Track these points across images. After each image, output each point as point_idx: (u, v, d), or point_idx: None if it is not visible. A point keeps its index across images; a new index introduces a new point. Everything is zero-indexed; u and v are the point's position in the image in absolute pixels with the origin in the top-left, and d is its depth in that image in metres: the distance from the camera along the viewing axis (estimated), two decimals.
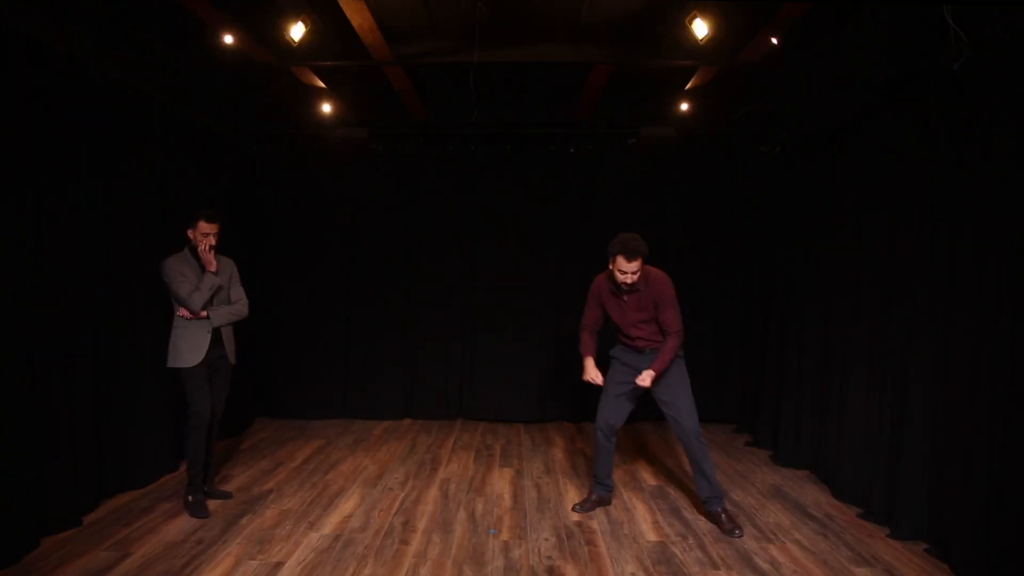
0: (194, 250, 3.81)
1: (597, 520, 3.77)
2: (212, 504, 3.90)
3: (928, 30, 3.32)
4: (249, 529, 3.56)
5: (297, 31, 3.99)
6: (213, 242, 3.80)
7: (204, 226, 3.77)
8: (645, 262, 3.49)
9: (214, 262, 3.79)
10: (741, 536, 3.47)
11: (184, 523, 3.62)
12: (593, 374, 3.76)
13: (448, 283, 6.15)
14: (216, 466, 4.64)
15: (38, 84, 3.37)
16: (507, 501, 4.05)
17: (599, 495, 3.94)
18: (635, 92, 5.54)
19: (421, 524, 3.67)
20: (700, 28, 3.85)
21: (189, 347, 3.74)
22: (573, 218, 6.10)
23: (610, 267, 3.55)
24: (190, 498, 3.80)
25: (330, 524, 3.65)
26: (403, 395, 6.21)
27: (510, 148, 6.08)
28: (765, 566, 3.19)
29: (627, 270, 3.44)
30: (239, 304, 3.94)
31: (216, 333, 3.82)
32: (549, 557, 3.27)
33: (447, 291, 6.15)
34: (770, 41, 4.06)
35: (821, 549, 3.39)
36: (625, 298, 3.62)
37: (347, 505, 3.94)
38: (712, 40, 3.95)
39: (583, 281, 6.12)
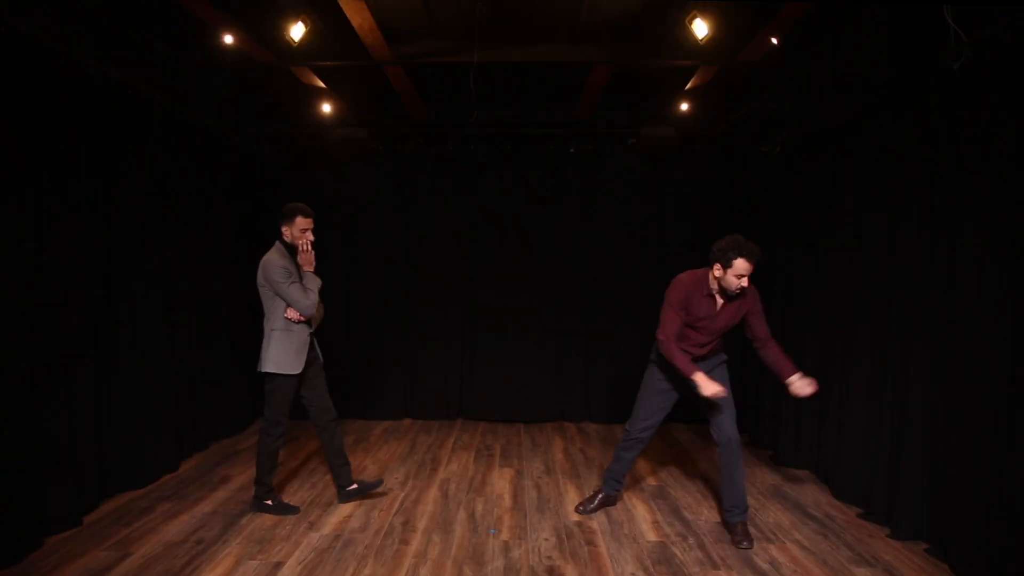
0: (289, 247, 3.62)
1: (597, 520, 3.77)
2: (212, 504, 3.90)
3: (928, 30, 3.32)
4: (249, 529, 3.56)
5: (297, 31, 3.99)
6: (312, 238, 3.61)
7: (302, 221, 3.57)
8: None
9: (314, 261, 3.63)
10: (748, 548, 3.35)
11: (184, 523, 3.62)
12: (715, 387, 3.29)
13: (448, 283, 6.15)
14: (215, 466, 4.66)
15: (38, 84, 3.37)
16: (507, 501, 4.05)
17: (606, 494, 3.88)
18: (635, 92, 5.54)
19: (421, 524, 3.67)
20: (700, 28, 3.84)
21: (294, 353, 3.58)
22: (573, 218, 6.10)
23: (715, 272, 3.33)
24: (269, 502, 3.74)
25: (330, 524, 3.65)
26: (403, 395, 6.21)
27: (510, 148, 6.08)
28: (765, 566, 3.19)
29: (745, 272, 3.26)
30: (321, 306, 3.78)
31: (310, 336, 3.71)
32: (549, 557, 3.28)
33: (447, 291, 6.15)
34: (770, 41, 4.06)
35: (821, 549, 3.39)
36: (723, 304, 3.42)
37: (347, 505, 3.94)
38: (712, 40, 3.95)
39: (583, 281, 6.20)
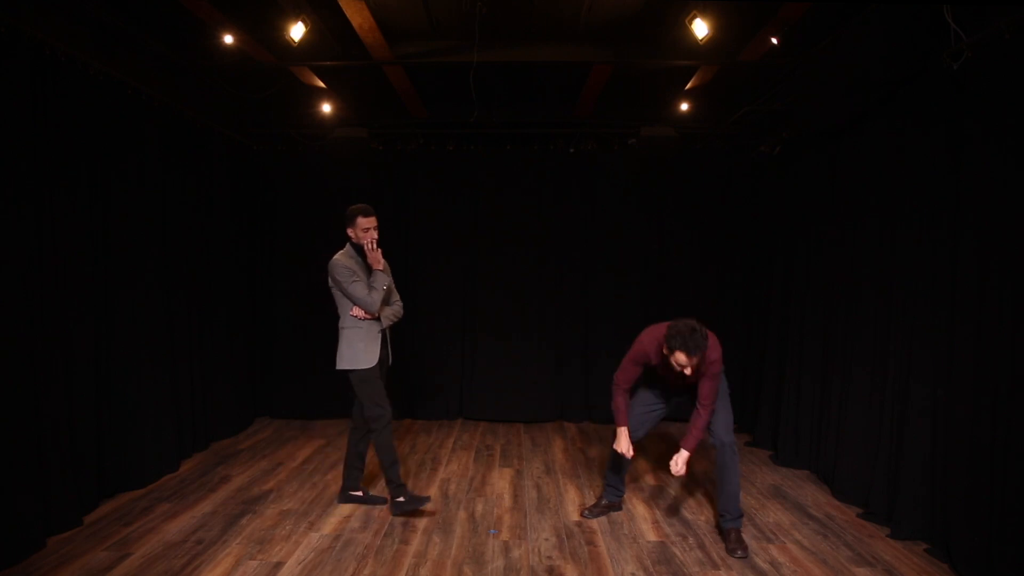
0: (358, 248, 3.67)
1: (597, 520, 3.77)
2: (212, 504, 3.90)
3: (928, 30, 3.32)
4: (249, 529, 3.56)
5: (297, 31, 3.99)
6: (376, 236, 3.63)
7: (363, 221, 3.61)
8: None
9: (382, 260, 3.66)
10: (743, 558, 3.28)
11: (184, 523, 3.62)
12: (626, 447, 3.49)
13: (448, 283, 6.15)
14: (215, 466, 4.66)
15: (38, 84, 3.37)
16: (507, 501, 4.05)
17: (609, 500, 3.87)
18: (635, 92, 5.53)
19: (421, 524, 3.67)
20: (700, 28, 3.84)
21: (367, 348, 3.63)
22: (573, 218, 6.10)
23: (664, 351, 3.26)
24: (402, 499, 3.70)
25: (330, 524, 3.65)
26: (403, 395, 6.20)
27: (510, 148, 6.08)
28: (765, 566, 3.19)
29: (685, 364, 3.16)
30: (398, 305, 3.84)
31: (383, 333, 3.73)
32: (549, 557, 3.28)
33: (447, 291, 6.15)
34: (770, 41, 4.06)
35: (821, 549, 3.39)
36: (672, 381, 3.47)
37: (347, 505, 3.93)
38: (712, 40, 3.95)
39: (583, 281, 6.19)
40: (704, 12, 3.82)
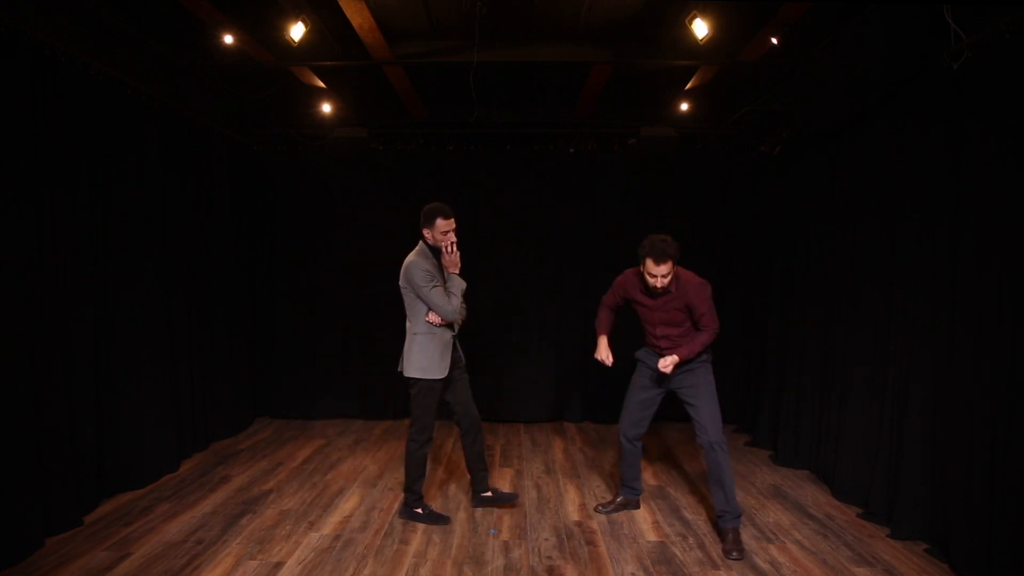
0: (433, 250, 3.54)
1: (597, 520, 3.77)
2: (212, 504, 3.90)
3: (928, 30, 3.32)
4: (249, 529, 3.56)
5: (297, 31, 3.99)
6: (455, 239, 3.47)
7: (443, 223, 3.44)
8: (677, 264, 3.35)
9: (459, 263, 3.52)
10: (738, 559, 3.26)
11: (184, 523, 3.62)
12: (604, 354, 3.66)
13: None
14: (215, 466, 4.66)
15: (38, 84, 3.37)
16: None
17: (625, 498, 3.88)
18: (635, 92, 5.53)
19: (421, 524, 3.67)
20: (700, 28, 3.84)
21: (438, 357, 3.49)
22: (573, 218, 6.10)
23: (640, 268, 3.42)
24: (419, 511, 3.66)
25: (330, 524, 3.65)
26: (403, 395, 6.18)
27: (510, 148, 6.08)
28: (765, 566, 3.19)
29: (656, 273, 3.29)
30: (464, 308, 3.67)
31: (453, 338, 3.62)
32: (549, 557, 3.27)
33: (447, 291, 6.13)
34: (770, 41, 4.06)
35: (821, 549, 3.39)
36: (655, 299, 3.48)
37: (347, 505, 3.94)
38: (712, 40, 3.95)
39: (583, 281, 6.19)
40: (704, 12, 3.82)
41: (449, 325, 3.54)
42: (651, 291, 3.44)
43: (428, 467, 4.72)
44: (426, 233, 3.52)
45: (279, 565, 3.14)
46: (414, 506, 3.69)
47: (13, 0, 3.23)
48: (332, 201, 6.10)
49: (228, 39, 4.12)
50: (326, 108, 5.51)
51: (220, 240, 5.34)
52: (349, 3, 3.81)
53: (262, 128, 5.88)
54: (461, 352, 3.72)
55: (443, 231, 3.46)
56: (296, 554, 3.26)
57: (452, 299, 3.46)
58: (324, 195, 6.08)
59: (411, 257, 3.50)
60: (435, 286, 3.44)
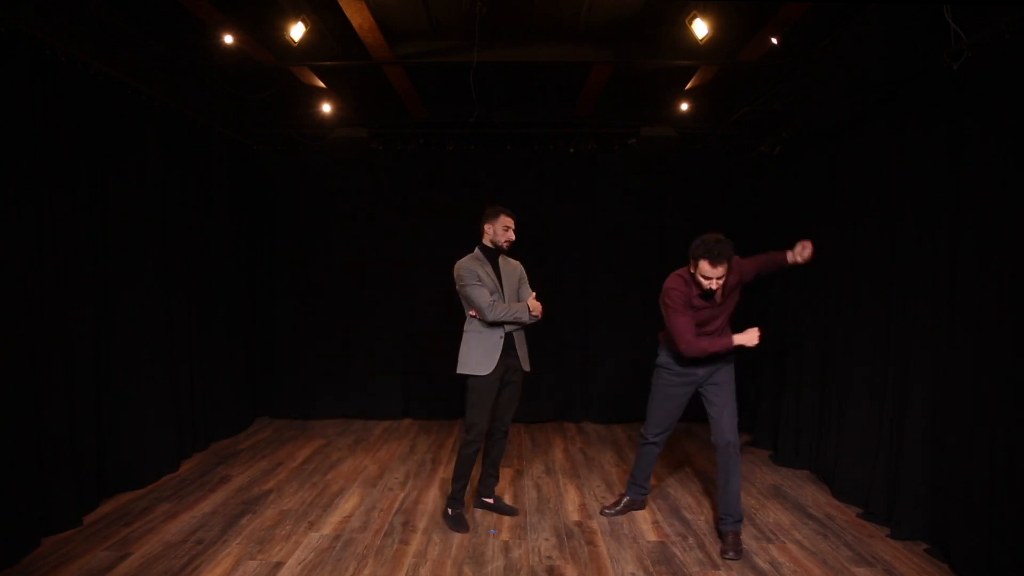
0: (488, 252, 3.60)
1: (597, 520, 3.77)
2: (212, 504, 3.90)
3: (928, 30, 3.32)
4: (249, 529, 3.56)
5: (297, 31, 3.99)
6: (513, 238, 3.54)
7: (507, 219, 3.54)
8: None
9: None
10: (734, 559, 3.25)
11: (184, 523, 3.62)
12: (747, 337, 3.31)
13: (448, 282, 6.13)
14: (215, 466, 4.66)
15: (38, 84, 3.37)
16: (507, 501, 4.05)
17: (632, 498, 3.87)
18: (635, 92, 5.53)
19: (421, 524, 3.67)
20: (700, 28, 3.84)
21: (483, 354, 3.49)
22: (573, 218, 6.10)
23: (691, 270, 3.25)
24: (450, 511, 3.65)
25: (330, 524, 3.65)
26: (403, 395, 6.21)
27: (510, 148, 6.08)
28: (765, 566, 3.19)
29: (712, 275, 3.13)
30: (519, 305, 3.61)
31: (509, 339, 3.57)
32: (549, 557, 3.27)
33: (446, 291, 6.14)
34: (770, 41, 4.06)
35: (821, 549, 3.39)
36: (716, 300, 3.33)
37: (347, 505, 3.94)
38: (712, 40, 3.95)
39: (583, 281, 6.19)
40: (704, 12, 3.82)
41: (499, 325, 3.54)
42: (705, 293, 3.29)
43: (430, 466, 4.72)
44: (487, 228, 3.59)
45: (279, 565, 3.14)
46: (455, 507, 3.67)
47: (13, 0, 3.23)
48: (332, 201, 6.09)
49: (228, 39, 4.12)
50: (326, 108, 5.51)
51: (220, 240, 5.34)
52: (349, 3, 3.81)
53: (262, 128, 5.88)
54: (522, 360, 3.67)
55: (505, 226, 3.56)
56: (296, 554, 3.26)
57: (497, 306, 3.47)
58: (324, 195, 6.08)
59: (462, 260, 3.59)
60: (478, 285, 3.48)
